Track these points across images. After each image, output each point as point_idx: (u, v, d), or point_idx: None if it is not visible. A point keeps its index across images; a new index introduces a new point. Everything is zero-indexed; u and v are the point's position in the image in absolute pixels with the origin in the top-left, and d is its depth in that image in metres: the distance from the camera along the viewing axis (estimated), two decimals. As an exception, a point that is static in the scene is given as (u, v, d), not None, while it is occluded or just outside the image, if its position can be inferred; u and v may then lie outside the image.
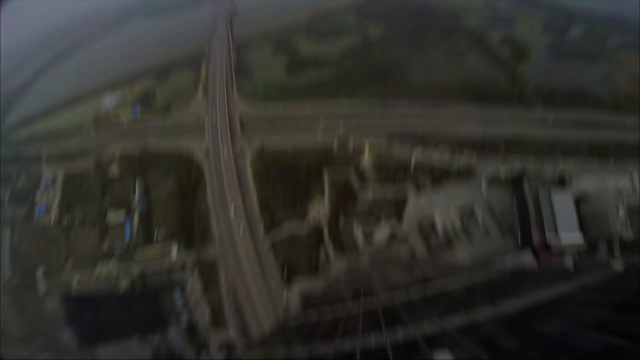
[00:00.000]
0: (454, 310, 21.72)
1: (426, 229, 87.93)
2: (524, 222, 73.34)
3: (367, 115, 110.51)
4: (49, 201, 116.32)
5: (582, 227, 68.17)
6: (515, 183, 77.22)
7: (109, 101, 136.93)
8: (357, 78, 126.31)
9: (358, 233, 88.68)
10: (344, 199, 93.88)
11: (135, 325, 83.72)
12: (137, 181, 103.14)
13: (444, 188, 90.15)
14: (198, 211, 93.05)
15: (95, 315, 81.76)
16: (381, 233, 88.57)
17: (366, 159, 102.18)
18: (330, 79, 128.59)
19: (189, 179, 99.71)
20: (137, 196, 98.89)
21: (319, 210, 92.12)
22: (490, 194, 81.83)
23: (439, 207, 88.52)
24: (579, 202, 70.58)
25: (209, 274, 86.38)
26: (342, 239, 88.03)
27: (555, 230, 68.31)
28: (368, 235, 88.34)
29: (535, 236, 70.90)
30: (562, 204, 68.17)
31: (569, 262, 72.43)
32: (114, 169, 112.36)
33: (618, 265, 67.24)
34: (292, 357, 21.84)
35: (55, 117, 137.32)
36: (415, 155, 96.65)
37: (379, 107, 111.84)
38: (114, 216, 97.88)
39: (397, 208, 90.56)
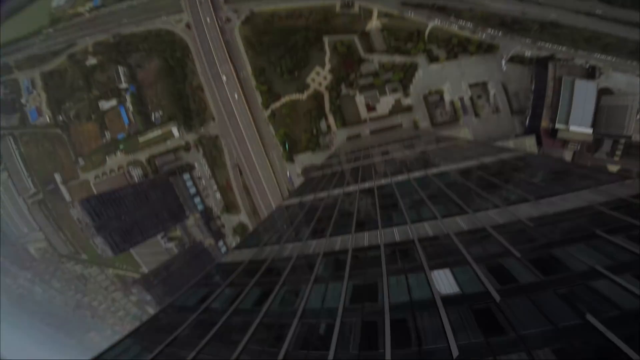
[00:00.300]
0: (457, 208, 17.00)
1: (433, 101, 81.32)
2: (537, 106, 69.41)
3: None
4: (37, 104, 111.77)
5: (595, 119, 65.70)
6: (540, 65, 70.13)
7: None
8: None
9: (361, 104, 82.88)
10: (347, 66, 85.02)
11: (156, 217, 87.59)
12: (119, 67, 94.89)
13: (459, 60, 79.63)
14: (192, 88, 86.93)
15: (118, 214, 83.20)
16: (385, 103, 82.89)
17: (374, 24, 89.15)
18: None
19: (173, 56, 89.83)
20: (123, 82, 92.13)
21: (320, 82, 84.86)
22: (509, 72, 74.62)
23: (450, 79, 80.00)
24: (601, 94, 66.03)
25: (213, 153, 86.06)
26: (343, 110, 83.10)
27: (567, 120, 65.75)
28: (371, 107, 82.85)
29: (545, 121, 67.92)
30: (583, 94, 64.34)
31: (568, 154, 70.67)
32: (92, 60, 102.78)
33: (613, 169, 65.87)
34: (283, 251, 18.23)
35: (5, 28, 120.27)
36: (432, 26, 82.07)
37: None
38: (107, 105, 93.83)
39: (405, 79, 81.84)
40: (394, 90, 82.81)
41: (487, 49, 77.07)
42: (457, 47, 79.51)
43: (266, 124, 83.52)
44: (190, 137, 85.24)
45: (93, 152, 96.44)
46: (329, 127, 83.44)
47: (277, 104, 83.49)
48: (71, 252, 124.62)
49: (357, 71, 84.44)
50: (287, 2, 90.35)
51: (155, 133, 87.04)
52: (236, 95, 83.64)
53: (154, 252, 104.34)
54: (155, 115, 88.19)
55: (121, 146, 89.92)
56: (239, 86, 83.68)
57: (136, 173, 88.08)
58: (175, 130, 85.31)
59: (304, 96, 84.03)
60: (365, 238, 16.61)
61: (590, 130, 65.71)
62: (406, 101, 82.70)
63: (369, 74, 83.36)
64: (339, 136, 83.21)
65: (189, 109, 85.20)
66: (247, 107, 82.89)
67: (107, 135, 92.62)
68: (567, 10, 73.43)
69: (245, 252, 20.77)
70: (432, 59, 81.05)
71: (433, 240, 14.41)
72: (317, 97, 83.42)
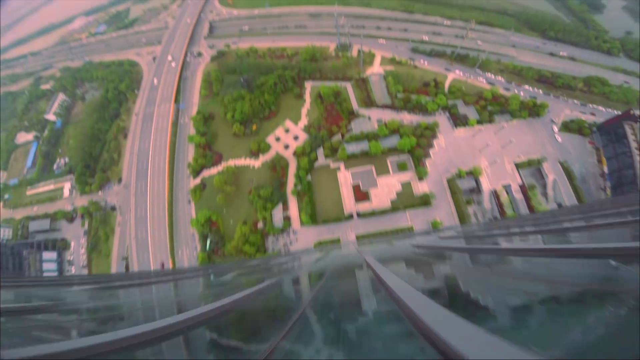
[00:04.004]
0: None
1: (464, 189, 48.44)
2: (620, 183, 47.45)
3: (383, 21, 75.97)
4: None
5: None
6: (608, 129, 51.43)
7: (77, 24, 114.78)
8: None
9: (346, 186, 50.04)
10: (331, 120, 55.82)
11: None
12: (60, 94, 76.90)
13: (496, 125, 52.97)
14: (114, 132, 61.68)
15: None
16: (386, 188, 49.88)
17: (375, 70, 63.42)
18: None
19: (117, 87, 70.63)
20: (51, 112, 71.96)
21: (288, 143, 54.43)
22: (566, 145, 52.15)
23: (486, 152, 50.66)
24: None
25: (99, 232, 53.45)
26: (315, 193, 50.22)
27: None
28: (362, 193, 49.50)
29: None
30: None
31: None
32: (46, 85, 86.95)
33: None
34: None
35: (25, 44, 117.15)
36: (453, 78, 61.09)
37: (401, 18, 76.71)
38: (23, 139, 72.58)
39: (419, 149, 50.80)
40: (401, 167, 51.15)
41: (532, 109, 53.83)
42: (491, 105, 55.58)
43: (187, 200, 52.04)
44: (81, 203, 56.35)
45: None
46: (287, 220, 49.26)
47: (213, 170, 52.92)
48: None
49: (345, 129, 54.54)
50: (271, 42, 73.48)
51: (46, 187, 61.19)
52: (158, 147, 55.48)
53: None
54: (59, 163, 63.32)
55: (7, 195, 64.25)
56: (168, 133, 55.90)
57: (3, 234, 59.86)
58: (67, 188, 57.98)
59: (257, 162, 53.55)
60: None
61: None
62: (420, 187, 49.79)
63: (363, 136, 52.95)
64: (303, 238, 48.00)
65: (97, 158, 58.97)
66: (166, 167, 53.28)
67: (1, 176, 68.59)
68: (601, 68, 60.72)
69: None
70: (458, 120, 54.61)
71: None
72: (277, 165, 52.72)
